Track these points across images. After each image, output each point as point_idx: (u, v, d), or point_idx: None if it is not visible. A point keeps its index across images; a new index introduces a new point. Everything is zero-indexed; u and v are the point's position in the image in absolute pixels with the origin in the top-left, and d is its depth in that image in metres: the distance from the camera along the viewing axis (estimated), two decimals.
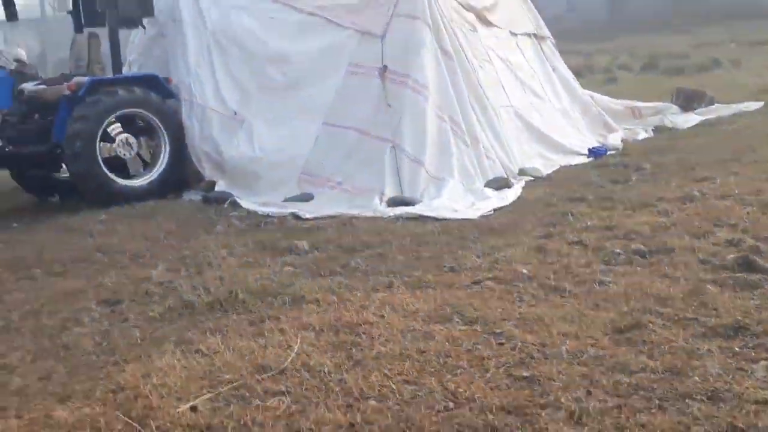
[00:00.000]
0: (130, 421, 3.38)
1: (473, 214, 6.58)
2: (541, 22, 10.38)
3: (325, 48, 8.24)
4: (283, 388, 3.57)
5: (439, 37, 7.95)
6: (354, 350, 3.90)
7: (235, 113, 8.51)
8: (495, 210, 6.71)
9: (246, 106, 8.48)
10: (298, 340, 4.04)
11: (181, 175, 8.80)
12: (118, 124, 8.39)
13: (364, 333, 4.12)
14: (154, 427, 3.30)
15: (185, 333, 4.44)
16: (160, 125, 8.55)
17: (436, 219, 6.55)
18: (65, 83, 8.43)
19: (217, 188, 8.30)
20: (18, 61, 9.33)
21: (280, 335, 4.23)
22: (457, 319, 4.23)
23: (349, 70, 8.07)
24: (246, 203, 7.69)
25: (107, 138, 8.26)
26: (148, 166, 8.60)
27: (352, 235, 6.27)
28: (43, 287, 5.58)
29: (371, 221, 6.68)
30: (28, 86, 8.74)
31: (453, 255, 5.49)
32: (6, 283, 5.75)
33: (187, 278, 5.48)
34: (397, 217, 6.69)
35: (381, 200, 7.14)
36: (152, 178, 8.52)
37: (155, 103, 8.51)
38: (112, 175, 8.23)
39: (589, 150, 8.82)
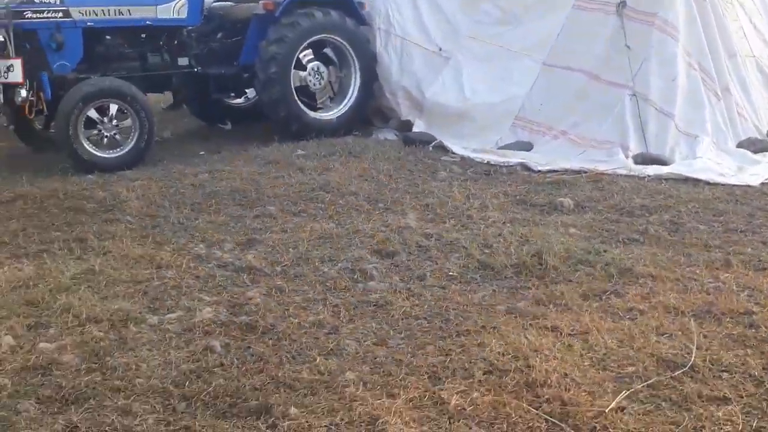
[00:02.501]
0: (549, 417, 2.74)
1: (752, 180, 5.77)
2: None
3: None
4: (717, 393, 2.89)
5: None
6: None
7: (440, 49, 7.72)
8: None
9: (453, 41, 7.63)
10: (694, 329, 3.34)
11: (367, 111, 8.13)
12: (310, 51, 7.70)
13: (760, 324, 3.40)
14: None
15: (512, 301, 3.81)
16: (353, 54, 7.80)
17: (706, 183, 5.77)
18: (259, 1, 7.72)
19: (415, 128, 7.57)
20: None
21: (643, 317, 3.56)
22: None
23: (576, 5, 7.17)
24: (456, 148, 6.96)
25: (299, 65, 7.59)
26: (334, 98, 7.95)
27: (618, 195, 5.54)
28: (291, 228, 4.98)
29: (626, 179, 5.92)
30: (213, 1, 8.06)
31: None
32: (245, 219, 5.17)
33: (455, 231, 4.84)
34: (658, 178, 5.91)
35: (627, 155, 6.34)
36: (341, 112, 7.80)
37: (350, 29, 7.73)
38: (302, 106, 7.57)
39: None
